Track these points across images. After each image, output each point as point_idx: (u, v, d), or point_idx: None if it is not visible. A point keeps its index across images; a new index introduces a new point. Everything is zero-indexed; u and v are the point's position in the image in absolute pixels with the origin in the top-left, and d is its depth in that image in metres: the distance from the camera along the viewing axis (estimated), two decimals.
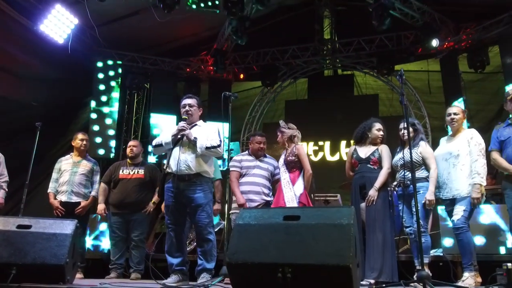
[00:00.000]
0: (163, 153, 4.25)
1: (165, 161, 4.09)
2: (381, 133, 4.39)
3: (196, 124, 4.12)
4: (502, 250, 4.69)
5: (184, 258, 4.01)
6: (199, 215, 3.87)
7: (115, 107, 8.84)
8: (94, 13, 7.57)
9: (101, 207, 5.35)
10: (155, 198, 5.27)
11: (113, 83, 8.89)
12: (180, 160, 3.87)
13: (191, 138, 3.90)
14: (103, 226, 6.58)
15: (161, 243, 6.66)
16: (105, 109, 8.72)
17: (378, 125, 4.42)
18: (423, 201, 4.01)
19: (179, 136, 3.93)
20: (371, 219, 4.13)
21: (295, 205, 4.31)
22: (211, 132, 3.98)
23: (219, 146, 3.90)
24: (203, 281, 3.72)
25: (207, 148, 3.86)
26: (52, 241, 3.25)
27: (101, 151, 8.48)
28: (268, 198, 4.85)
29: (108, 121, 8.70)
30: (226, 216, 3.86)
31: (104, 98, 8.75)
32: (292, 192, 4.41)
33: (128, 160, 5.49)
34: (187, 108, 4.10)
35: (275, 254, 2.61)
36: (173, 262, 3.90)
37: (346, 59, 9.54)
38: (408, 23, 8.17)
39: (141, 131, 9.83)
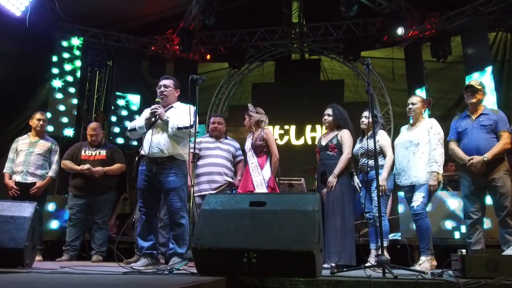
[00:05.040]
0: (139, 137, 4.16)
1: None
2: (325, 117, 4.58)
3: (172, 106, 4.03)
4: (457, 235, 4.91)
5: (155, 242, 3.98)
6: (172, 198, 3.83)
7: (76, 84, 8.54)
8: None
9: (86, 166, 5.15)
10: (107, 168, 5.20)
11: (74, 60, 8.57)
12: (153, 142, 3.80)
13: (163, 118, 3.83)
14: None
15: (123, 225, 6.60)
16: (65, 87, 8.41)
17: (325, 111, 4.60)
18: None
19: (152, 119, 3.86)
20: (330, 204, 4.28)
21: (264, 189, 4.35)
22: (185, 112, 3.90)
23: (191, 126, 3.81)
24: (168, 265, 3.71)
25: (178, 128, 3.80)
26: (10, 224, 3.16)
27: (61, 130, 8.20)
28: (230, 179, 4.84)
29: (68, 99, 8.40)
30: (191, 199, 3.82)
31: (64, 75, 8.42)
32: (261, 176, 4.44)
33: (89, 141, 5.38)
34: (162, 89, 4.00)
35: (241, 239, 2.63)
36: (143, 245, 3.86)
37: (313, 43, 9.57)
38: (375, 10, 8.27)
39: (103, 110, 9.58)
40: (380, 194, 4.24)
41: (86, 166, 5.11)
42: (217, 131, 4.99)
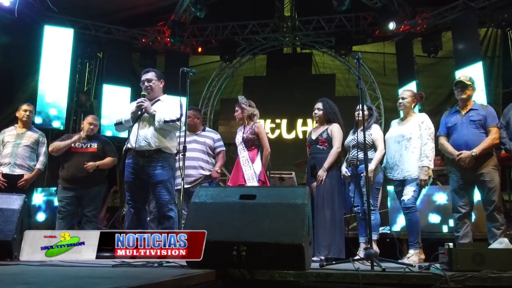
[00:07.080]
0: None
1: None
2: (315, 111, 4.58)
3: (158, 99, 3.97)
4: (445, 229, 4.96)
5: None
6: (160, 191, 3.80)
7: (65, 76, 8.45)
8: None
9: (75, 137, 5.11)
10: (99, 162, 5.14)
11: (63, 51, 8.48)
12: (139, 135, 3.77)
13: (150, 112, 3.80)
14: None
15: (113, 217, 6.58)
16: (54, 78, 8.31)
17: (315, 105, 4.61)
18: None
19: (138, 112, 3.82)
20: (320, 197, 4.29)
21: (255, 182, 4.34)
22: (172, 106, 3.86)
23: (178, 119, 3.77)
24: None
25: (165, 121, 3.76)
26: None
27: (50, 122, 8.12)
28: (207, 173, 4.77)
29: (58, 90, 8.31)
30: (181, 192, 3.80)
31: (53, 66, 8.33)
32: (252, 170, 4.42)
33: (81, 133, 5.32)
34: (146, 84, 3.97)
35: (231, 232, 2.64)
36: None
37: (305, 37, 9.58)
38: (367, 5, 8.29)
39: (92, 102, 9.50)
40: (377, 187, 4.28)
41: (76, 137, 5.05)
42: (188, 125, 4.95)
